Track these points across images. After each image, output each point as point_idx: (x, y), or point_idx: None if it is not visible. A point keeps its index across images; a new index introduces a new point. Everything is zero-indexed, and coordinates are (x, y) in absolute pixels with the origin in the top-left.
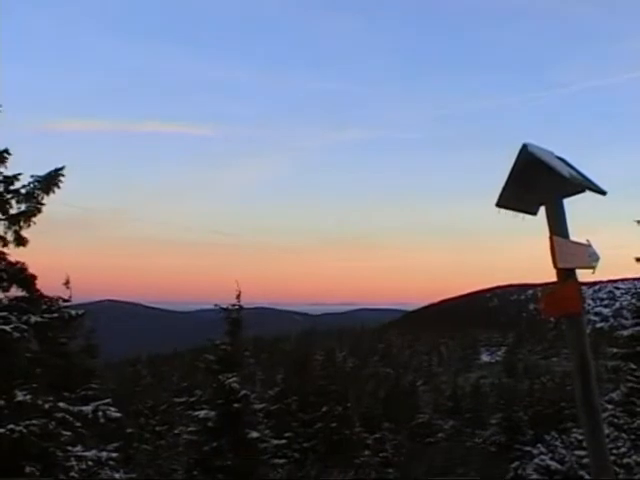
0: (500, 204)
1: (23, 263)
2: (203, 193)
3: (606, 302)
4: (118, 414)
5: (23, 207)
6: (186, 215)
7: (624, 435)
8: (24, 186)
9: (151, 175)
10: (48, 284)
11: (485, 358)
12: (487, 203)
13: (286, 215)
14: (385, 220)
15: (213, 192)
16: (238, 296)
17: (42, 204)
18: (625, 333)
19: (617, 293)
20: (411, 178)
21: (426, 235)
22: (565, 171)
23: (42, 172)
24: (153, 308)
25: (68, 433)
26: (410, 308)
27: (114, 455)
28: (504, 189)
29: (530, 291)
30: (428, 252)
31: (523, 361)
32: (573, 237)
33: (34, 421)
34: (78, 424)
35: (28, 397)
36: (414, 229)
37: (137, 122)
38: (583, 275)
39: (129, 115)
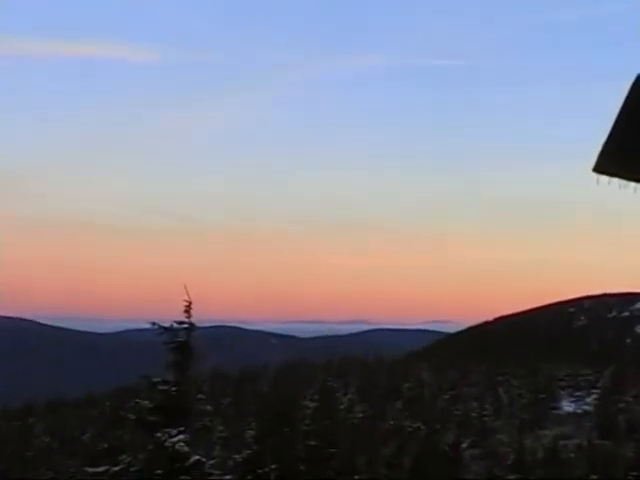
0: (599, 169)
1: None
2: (139, 152)
3: None
4: None
5: None
6: (112, 186)
7: None
8: None
9: (59, 125)
10: None
11: (567, 407)
12: (578, 167)
13: (265, 186)
14: (416, 193)
15: (155, 151)
16: (188, 309)
17: None
18: None
19: None
20: (459, 128)
21: (479, 216)
22: None
23: None
24: (53, 327)
25: None
26: (451, 329)
27: None
28: (606, 146)
29: (639, 304)
30: (480, 243)
31: (627, 412)
32: None
33: None
34: None
35: None
36: (460, 207)
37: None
38: None
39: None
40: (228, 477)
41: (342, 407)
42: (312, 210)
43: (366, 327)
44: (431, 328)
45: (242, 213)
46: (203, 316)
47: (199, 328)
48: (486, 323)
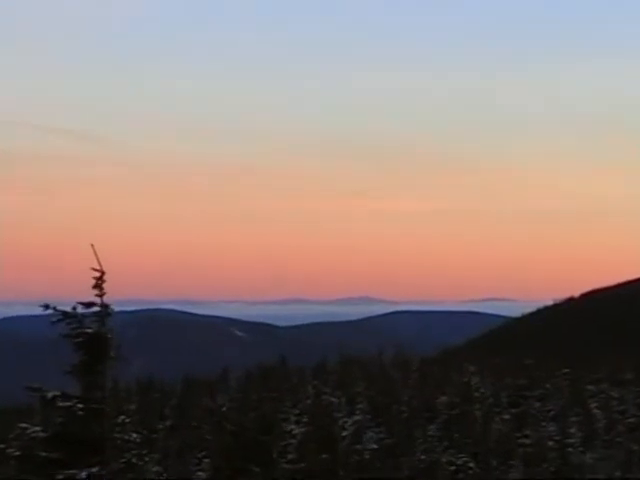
0: None
1: None
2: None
3: None
4: None
5: None
6: None
7: None
8: None
9: None
10: None
11: None
12: None
13: (238, 94)
14: (467, 111)
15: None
16: (99, 284)
17: None
18: None
19: None
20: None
21: (561, 146)
22: None
23: None
24: None
25: None
26: (513, 311)
27: None
28: None
29: None
30: (553, 181)
31: None
32: None
33: None
34: None
35: None
36: (543, 119)
37: None
38: None
39: None
40: None
41: (346, 434)
42: (298, 128)
43: (377, 309)
44: (481, 309)
45: (210, 133)
46: (126, 294)
47: (119, 313)
48: (569, 301)
